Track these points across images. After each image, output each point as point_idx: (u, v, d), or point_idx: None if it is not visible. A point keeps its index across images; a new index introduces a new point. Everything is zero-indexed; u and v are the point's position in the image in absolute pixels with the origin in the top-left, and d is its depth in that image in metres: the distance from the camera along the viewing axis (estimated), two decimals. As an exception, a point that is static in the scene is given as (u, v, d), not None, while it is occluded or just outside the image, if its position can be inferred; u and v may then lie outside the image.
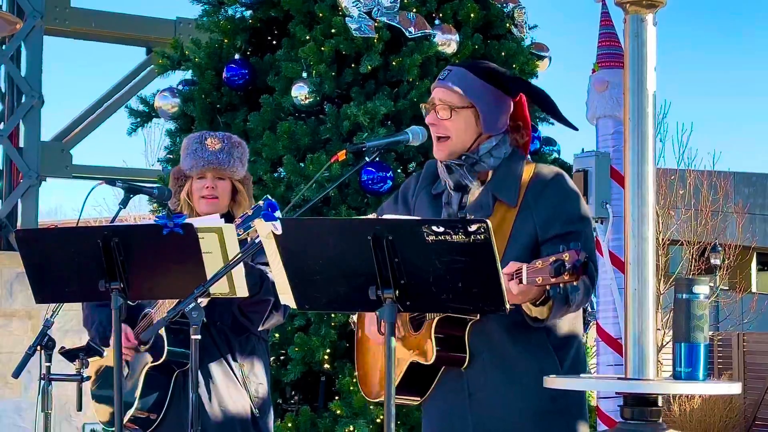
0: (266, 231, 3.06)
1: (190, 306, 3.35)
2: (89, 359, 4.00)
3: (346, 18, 6.18)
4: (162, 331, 3.99)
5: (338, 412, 5.80)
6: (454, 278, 2.92)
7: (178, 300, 3.47)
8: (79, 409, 4.11)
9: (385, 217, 3.46)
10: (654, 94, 3.31)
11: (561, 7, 49.12)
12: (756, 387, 15.49)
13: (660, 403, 3.24)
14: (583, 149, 5.96)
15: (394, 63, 6.24)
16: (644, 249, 3.27)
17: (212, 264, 3.47)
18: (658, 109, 14.09)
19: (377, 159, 3.56)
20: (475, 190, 3.49)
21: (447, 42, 6.32)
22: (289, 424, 5.88)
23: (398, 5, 6.26)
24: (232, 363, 4.18)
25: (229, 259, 3.46)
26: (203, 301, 3.53)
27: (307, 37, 6.26)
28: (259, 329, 4.21)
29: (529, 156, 3.62)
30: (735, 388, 3.25)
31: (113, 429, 3.78)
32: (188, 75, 6.87)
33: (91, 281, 3.52)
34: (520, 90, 3.57)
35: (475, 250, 2.87)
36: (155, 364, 4.07)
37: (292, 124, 6.24)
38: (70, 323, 8.75)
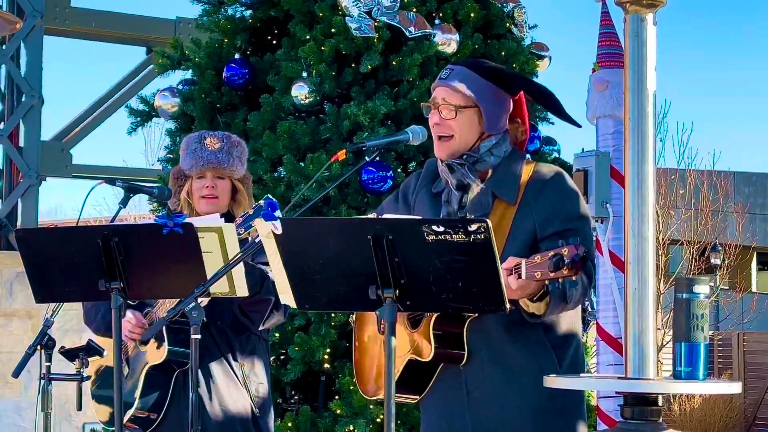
0: (266, 230, 3.06)
1: (190, 306, 3.36)
2: (89, 359, 4.00)
3: (346, 18, 6.18)
4: (163, 332, 3.99)
5: (338, 411, 5.81)
6: (454, 278, 2.92)
7: (178, 300, 3.47)
8: (79, 408, 4.11)
9: (385, 216, 3.46)
10: (654, 94, 3.31)
11: (561, 6, 49.15)
12: (756, 386, 15.49)
13: (660, 403, 3.24)
14: (583, 149, 5.97)
15: (394, 62, 6.24)
16: (644, 248, 3.27)
17: (212, 263, 3.47)
18: (658, 109, 14.11)
19: (377, 158, 3.57)
20: (475, 189, 3.49)
21: (447, 42, 6.32)
22: (289, 424, 5.88)
23: (398, 5, 6.27)
24: (233, 362, 4.18)
25: (229, 258, 3.46)
26: (204, 301, 3.53)
27: (307, 37, 6.26)
28: (259, 329, 4.21)
29: (528, 155, 3.63)
30: (735, 388, 3.25)
31: (113, 428, 3.78)
32: (188, 75, 6.87)
33: (91, 281, 3.52)
34: (522, 88, 3.58)
35: (475, 250, 2.87)
36: (156, 363, 4.07)
37: (292, 123, 6.24)
38: (70, 323, 8.75)
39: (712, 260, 18.67)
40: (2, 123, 10.42)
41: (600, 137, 5.81)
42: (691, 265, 16.50)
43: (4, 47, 10.37)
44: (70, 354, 3.97)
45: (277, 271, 3.11)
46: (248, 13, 6.74)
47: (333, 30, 6.21)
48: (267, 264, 3.67)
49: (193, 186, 4.25)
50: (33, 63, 10.45)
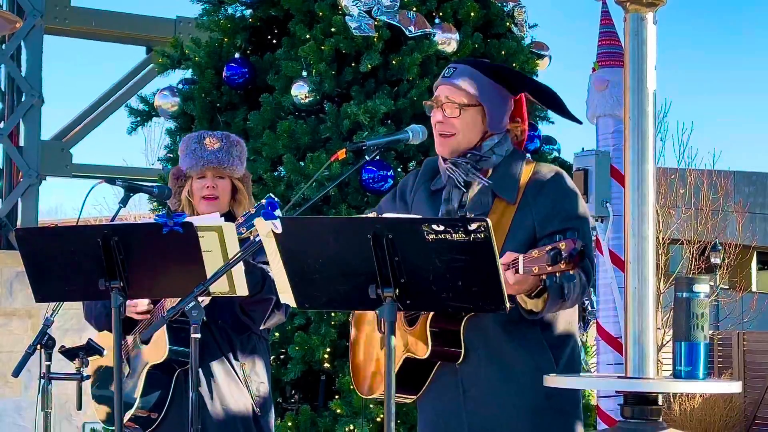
0: (266, 230, 3.06)
1: (190, 305, 3.36)
2: (89, 358, 4.00)
3: (346, 17, 6.18)
4: (164, 331, 3.99)
5: (338, 411, 5.81)
6: (454, 277, 2.92)
7: (180, 299, 3.47)
8: (79, 408, 4.11)
9: (385, 215, 3.46)
10: (654, 93, 3.31)
11: (561, 6, 49.13)
12: (756, 386, 15.49)
13: (660, 402, 3.24)
14: (583, 148, 5.97)
15: (394, 62, 6.24)
16: (644, 248, 3.28)
17: (212, 263, 3.47)
18: (659, 108, 14.12)
19: (377, 158, 3.57)
20: (475, 187, 3.50)
21: (447, 41, 6.32)
22: (290, 423, 5.88)
23: (398, 4, 6.27)
24: (234, 362, 4.18)
25: (229, 257, 3.46)
26: (205, 300, 3.53)
27: (307, 36, 6.26)
28: (260, 328, 4.21)
29: (529, 155, 3.63)
30: (735, 387, 3.25)
31: (113, 428, 3.78)
32: (188, 74, 6.88)
33: (91, 280, 3.52)
34: (524, 87, 3.58)
35: (475, 249, 2.87)
36: (157, 363, 4.07)
37: (292, 123, 6.24)
38: (70, 322, 8.76)
39: (712, 260, 18.67)
40: (2, 122, 10.42)
41: (600, 136, 5.81)
42: (691, 265, 16.50)
43: (4, 47, 10.37)
44: (70, 353, 3.97)
45: (276, 271, 3.11)
46: (248, 12, 6.75)
47: (333, 29, 6.21)
48: (267, 263, 3.67)
49: (194, 186, 4.25)
50: (33, 62, 10.46)
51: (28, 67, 10.48)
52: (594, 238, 5.75)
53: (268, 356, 4.35)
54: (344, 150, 3.49)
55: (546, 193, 3.44)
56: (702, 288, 3.19)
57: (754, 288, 24.74)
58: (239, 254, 3.38)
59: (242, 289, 3.54)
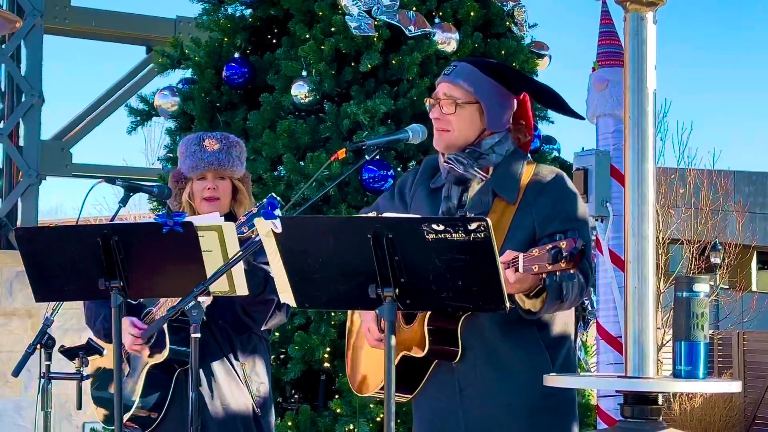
0: (266, 229, 3.06)
1: (190, 304, 3.36)
2: (89, 358, 4.00)
3: (346, 16, 6.18)
4: (165, 328, 4.00)
5: (338, 410, 5.81)
6: (454, 276, 2.92)
7: (180, 299, 3.48)
8: (79, 407, 4.11)
9: (385, 215, 3.46)
10: (654, 93, 3.32)
11: (561, 5, 49.13)
12: (756, 386, 15.49)
13: (660, 402, 3.24)
14: (583, 148, 5.97)
15: (393, 61, 6.24)
16: (644, 247, 3.28)
17: (212, 262, 3.47)
18: (658, 108, 14.11)
19: (377, 157, 3.57)
20: (475, 186, 3.50)
21: (447, 40, 6.32)
22: (290, 423, 5.88)
23: (398, 4, 6.27)
24: (234, 362, 4.18)
25: (229, 257, 3.46)
26: (207, 300, 3.54)
27: (307, 36, 6.26)
28: (262, 328, 4.22)
29: (530, 155, 3.63)
30: (735, 387, 3.25)
31: (113, 428, 3.78)
32: (188, 74, 6.88)
33: (90, 280, 3.52)
34: (526, 87, 3.58)
35: (475, 249, 2.87)
36: (157, 362, 4.07)
37: (292, 122, 6.24)
38: (70, 322, 8.76)
39: (712, 259, 18.66)
40: (2, 122, 10.42)
41: (600, 136, 5.81)
42: (691, 264, 16.50)
43: (4, 46, 10.37)
44: (69, 353, 3.97)
45: (276, 270, 3.11)
46: (248, 12, 6.75)
47: (333, 29, 6.21)
48: (268, 264, 3.68)
49: (194, 188, 4.25)
50: (33, 62, 10.46)
51: (28, 66, 10.48)
52: (594, 237, 5.76)
53: (268, 356, 4.35)
54: (344, 150, 3.50)
55: (546, 194, 3.44)
56: (702, 288, 3.19)
57: (754, 288, 24.74)
58: (239, 254, 3.38)
59: (242, 289, 3.54)
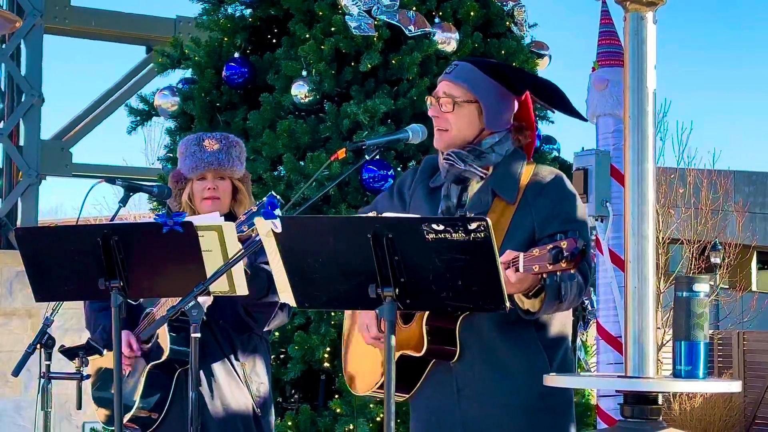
0: (266, 229, 3.06)
1: (190, 304, 3.36)
2: (89, 358, 4.01)
3: (346, 16, 6.18)
4: (165, 331, 4.00)
5: (338, 410, 5.81)
6: (454, 276, 2.92)
7: (180, 299, 3.48)
8: (79, 407, 4.11)
9: (385, 215, 3.46)
10: (654, 93, 3.32)
11: (561, 5, 49.13)
12: (756, 386, 15.48)
13: (660, 402, 3.24)
14: (583, 147, 5.96)
15: (393, 61, 6.24)
16: (644, 247, 3.28)
17: (212, 262, 3.47)
18: (658, 108, 14.10)
19: (378, 157, 3.57)
20: (475, 185, 3.50)
21: (447, 40, 6.32)
22: (289, 423, 5.88)
23: (398, 4, 6.26)
24: (234, 362, 4.18)
25: (229, 257, 3.46)
26: (208, 300, 3.54)
27: (307, 36, 6.26)
28: (264, 329, 4.22)
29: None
30: (735, 387, 3.25)
31: (113, 428, 3.78)
32: (188, 73, 6.87)
33: (90, 279, 3.52)
34: (527, 84, 3.58)
35: (475, 248, 2.87)
36: (157, 362, 4.07)
37: (292, 122, 6.24)
38: (69, 322, 8.76)
39: (712, 259, 18.66)
40: (2, 122, 10.42)
41: (600, 136, 5.81)
42: (691, 264, 16.50)
43: (4, 46, 10.37)
44: (69, 353, 3.98)
45: (276, 270, 3.11)
46: (248, 11, 6.74)
47: (333, 29, 6.21)
48: (268, 263, 3.68)
49: (194, 188, 4.25)
50: (33, 62, 10.46)
51: (28, 66, 10.48)
52: (594, 237, 5.76)
53: (268, 356, 4.36)
54: (344, 149, 3.50)
55: (546, 195, 3.44)
56: (702, 287, 3.19)
57: (754, 288, 24.73)
58: (240, 253, 3.38)
59: (242, 289, 3.54)
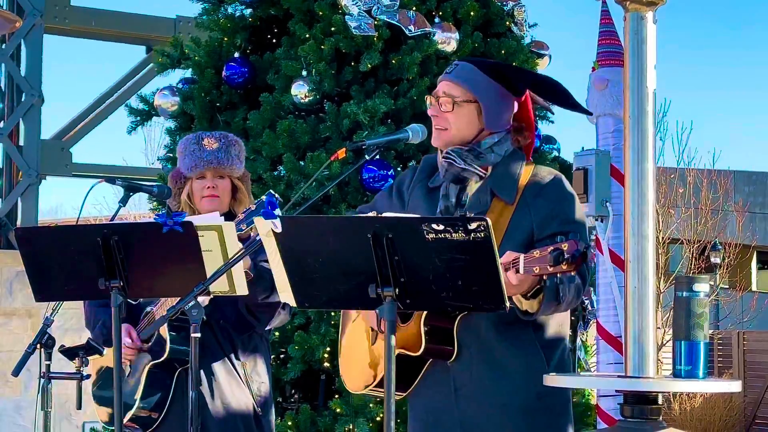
0: (266, 229, 3.06)
1: (190, 304, 3.36)
2: (89, 358, 4.01)
3: (346, 16, 6.18)
4: (165, 330, 4.00)
5: (338, 410, 5.81)
6: (454, 276, 2.92)
7: (180, 298, 3.48)
8: (79, 407, 4.11)
9: (385, 215, 3.46)
10: (654, 92, 3.32)
11: (561, 5, 49.13)
12: (756, 385, 15.49)
13: (660, 401, 3.24)
14: (583, 147, 5.97)
15: (393, 61, 6.24)
16: (644, 247, 3.28)
17: (212, 262, 3.47)
18: (658, 108, 14.11)
19: (378, 157, 3.57)
20: (474, 185, 3.50)
21: (447, 40, 6.32)
22: (289, 423, 5.88)
23: (398, 3, 6.26)
24: (235, 361, 4.19)
25: (229, 257, 3.46)
26: (205, 300, 3.54)
27: (307, 36, 6.26)
28: (266, 328, 4.22)
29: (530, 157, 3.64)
30: (735, 387, 3.25)
31: (113, 428, 3.78)
32: (188, 73, 6.87)
33: (90, 279, 3.52)
34: (528, 82, 3.58)
35: (475, 248, 2.87)
36: (158, 362, 4.08)
37: (292, 122, 6.24)
38: (69, 321, 8.76)
39: (712, 259, 18.67)
40: (2, 122, 10.42)
41: (600, 136, 5.81)
42: (691, 264, 16.51)
43: (4, 46, 10.37)
44: (69, 353, 3.97)
45: (276, 270, 3.11)
46: (248, 11, 6.74)
47: (333, 29, 6.21)
48: (267, 262, 3.68)
49: (194, 187, 4.25)
50: (33, 62, 10.46)
51: (28, 66, 10.48)
52: (594, 237, 5.76)
53: (269, 355, 4.36)
54: (344, 149, 3.50)
55: (545, 196, 3.44)
56: (702, 287, 3.19)
57: (754, 287, 24.74)
58: (240, 253, 3.38)
59: (242, 289, 3.54)
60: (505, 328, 3.38)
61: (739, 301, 18.89)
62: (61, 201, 49.41)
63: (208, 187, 4.22)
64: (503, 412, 3.38)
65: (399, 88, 6.25)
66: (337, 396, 5.94)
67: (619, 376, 3.43)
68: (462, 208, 3.48)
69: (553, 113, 6.86)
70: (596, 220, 5.66)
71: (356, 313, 3.60)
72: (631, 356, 3.25)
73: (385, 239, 2.91)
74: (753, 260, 25.87)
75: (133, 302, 4.08)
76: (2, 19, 5.04)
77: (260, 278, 3.91)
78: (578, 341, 5.98)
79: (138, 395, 4.12)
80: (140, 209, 15.87)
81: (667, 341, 13.22)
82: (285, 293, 3.12)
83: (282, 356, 6.06)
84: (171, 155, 6.77)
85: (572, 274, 3.09)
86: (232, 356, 4.18)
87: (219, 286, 3.50)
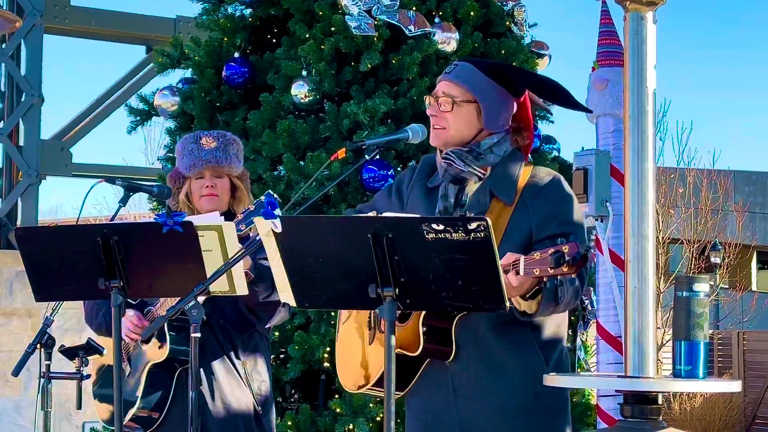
0: (266, 229, 3.06)
1: (190, 304, 3.36)
2: (89, 357, 4.01)
3: (346, 16, 6.18)
4: (165, 330, 4.00)
5: (338, 410, 5.81)
6: (454, 276, 2.92)
7: (180, 298, 3.48)
8: (79, 407, 4.11)
9: (385, 215, 3.46)
10: (654, 93, 3.32)
11: (561, 5, 49.13)
12: (756, 385, 15.49)
13: (660, 401, 3.24)
14: (583, 147, 5.97)
15: (393, 61, 6.24)
16: (644, 247, 3.28)
17: (212, 262, 3.47)
18: (658, 108, 14.10)
19: (378, 157, 3.57)
20: (473, 185, 3.50)
21: (447, 40, 6.32)
22: (289, 423, 5.88)
23: (398, 3, 6.26)
24: (235, 360, 4.19)
25: (228, 257, 3.46)
26: (201, 297, 3.54)
27: (307, 36, 6.26)
28: (266, 326, 4.22)
29: (529, 157, 3.64)
30: (735, 387, 3.25)
31: (113, 428, 3.78)
32: (188, 73, 6.87)
33: (90, 279, 3.52)
34: (528, 83, 3.58)
35: (475, 248, 2.87)
36: (158, 362, 4.08)
37: (292, 122, 6.24)
38: (69, 321, 8.77)
39: (712, 259, 18.67)
40: (2, 122, 10.43)
41: (600, 135, 5.81)
42: (691, 264, 16.51)
43: (3, 46, 10.38)
44: (69, 353, 3.98)
45: (276, 270, 3.11)
46: (248, 11, 6.74)
47: (333, 29, 6.21)
48: (267, 259, 3.68)
49: (192, 186, 4.25)
50: (33, 62, 10.46)
51: (28, 66, 10.48)
52: (594, 237, 5.76)
53: (269, 354, 4.36)
54: (344, 149, 3.50)
55: (543, 197, 3.44)
56: (702, 287, 3.19)
57: (754, 287, 24.75)
58: (240, 253, 3.39)
59: (242, 289, 3.55)
60: (503, 329, 3.38)
61: (739, 301, 18.90)
62: (61, 201, 49.44)
63: (207, 186, 4.22)
64: (502, 411, 3.38)
65: (399, 88, 6.25)
66: (337, 396, 5.94)
67: (619, 376, 3.43)
68: (461, 209, 3.48)
69: (551, 114, 6.87)
70: (596, 220, 5.66)
71: (347, 313, 3.61)
72: (631, 356, 3.25)
73: (385, 239, 2.91)
74: (753, 260, 25.89)
75: (133, 302, 4.08)
76: (2, 19, 5.04)
77: (261, 278, 3.91)
78: (578, 341, 5.98)
79: (139, 393, 4.12)
80: (140, 209, 15.87)
81: (667, 341, 13.22)
82: (285, 293, 3.12)
83: (282, 356, 6.06)
84: (171, 155, 6.77)
85: (573, 276, 3.09)
86: (233, 355, 4.18)
87: (219, 286, 3.50)
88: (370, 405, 5.71)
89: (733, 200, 20.16)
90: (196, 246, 3.48)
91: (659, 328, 13.43)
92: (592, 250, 5.63)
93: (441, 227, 2.87)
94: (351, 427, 5.73)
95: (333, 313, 5.85)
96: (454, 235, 2.87)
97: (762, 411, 15.48)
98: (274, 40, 6.74)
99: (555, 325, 3.48)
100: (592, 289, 5.80)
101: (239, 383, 4.18)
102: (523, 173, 3.50)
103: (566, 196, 3.47)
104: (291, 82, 6.25)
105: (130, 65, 11.50)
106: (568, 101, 3.58)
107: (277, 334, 5.95)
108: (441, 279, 2.93)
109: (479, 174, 3.49)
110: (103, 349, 4.04)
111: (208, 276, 3.42)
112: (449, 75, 3.53)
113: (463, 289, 2.94)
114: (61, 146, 10.81)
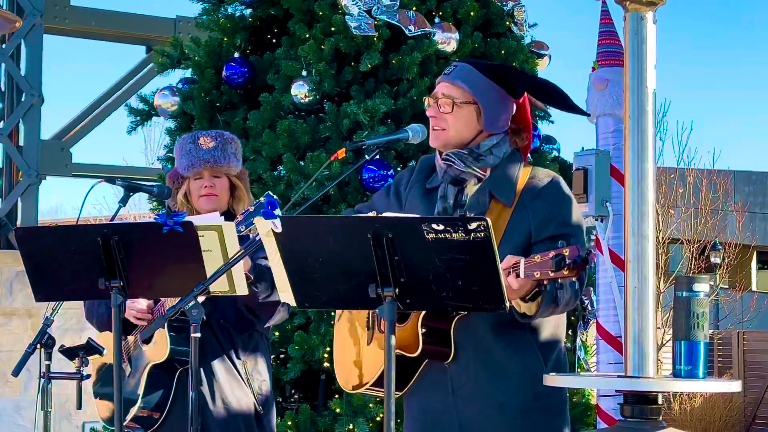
0: (266, 229, 3.06)
1: (190, 304, 3.36)
2: (89, 357, 4.01)
3: (346, 16, 6.18)
4: (165, 330, 4.00)
5: (338, 410, 5.81)
6: (454, 276, 2.92)
7: (180, 298, 3.48)
8: (79, 407, 4.11)
9: (385, 215, 3.46)
10: (654, 93, 3.32)
11: (561, 5, 49.14)
12: (756, 385, 15.49)
13: (660, 401, 3.24)
14: (583, 147, 5.97)
15: (393, 61, 6.25)
16: (644, 247, 3.28)
17: (212, 262, 3.47)
18: (658, 108, 14.09)
19: (377, 157, 3.57)
20: (472, 186, 3.50)
21: (447, 40, 6.32)
22: (289, 423, 5.88)
23: (398, 3, 6.27)
24: (236, 360, 4.19)
25: (229, 257, 3.46)
26: (201, 297, 3.54)
27: (307, 36, 6.26)
28: (266, 326, 4.22)
29: (529, 158, 3.64)
30: (735, 387, 3.25)
31: (113, 427, 3.78)
32: (188, 73, 6.87)
33: (90, 279, 3.52)
34: (527, 85, 3.58)
35: (475, 248, 2.87)
36: (158, 362, 4.08)
37: (292, 122, 6.24)
38: (70, 321, 8.77)
39: (712, 259, 18.66)
40: (2, 122, 10.43)
41: (600, 136, 5.81)
42: (691, 264, 16.50)
43: (3, 46, 10.38)
44: (69, 353, 3.98)
45: (276, 270, 3.11)
46: (248, 11, 6.74)
47: (333, 29, 6.21)
48: (266, 259, 3.68)
49: (191, 186, 4.25)
50: (33, 62, 10.46)
51: (28, 66, 10.48)
52: (594, 237, 5.76)
53: (269, 354, 4.36)
54: (344, 149, 3.50)
55: (543, 198, 3.44)
56: (702, 287, 3.19)
57: (754, 287, 24.74)
58: (240, 253, 3.39)
59: (242, 289, 3.55)
60: (502, 330, 3.38)
61: (739, 301, 18.89)
62: (61, 201, 49.45)
63: (206, 186, 4.22)
64: (501, 412, 3.38)
65: (399, 88, 6.25)
66: (337, 396, 5.94)
67: (619, 376, 3.44)
68: (460, 210, 3.48)
69: (550, 115, 6.87)
70: (596, 220, 5.66)
71: (340, 312, 3.61)
72: (631, 356, 3.25)
73: (385, 239, 2.91)
74: (753, 260, 25.88)
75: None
76: (2, 19, 5.04)
77: (260, 278, 3.91)
78: (578, 341, 5.98)
79: (139, 393, 4.12)
80: (140, 209, 15.87)
81: (667, 341, 13.22)
82: (285, 293, 3.12)
83: (282, 356, 6.06)
84: (171, 155, 6.77)
85: (573, 279, 3.09)
86: (233, 355, 4.18)
87: (219, 286, 3.50)
88: (370, 405, 5.71)
89: (733, 200, 20.16)
90: (196, 246, 3.48)
91: (659, 328, 13.43)
92: (592, 251, 5.63)
93: (441, 227, 2.87)
94: (351, 427, 5.73)
95: (333, 313, 5.83)
96: (454, 235, 2.87)
97: (762, 411, 15.47)
98: (274, 40, 6.74)
99: (553, 325, 3.49)
100: (592, 289, 5.80)
101: (240, 383, 4.18)
102: (523, 174, 3.50)
103: (565, 197, 3.48)
104: (291, 82, 6.25)
105: (130, 65, 11.51)
106: (566, 104, 3.58)
107: (277, 334, 5.95)
108: (441, 279, 2.93)
109: (479, 175, 3.49)
110: (103, 349, 4.04)
111: (208, 276, 3.42)
112: (449, 76, 3.53)
113: (463, 289, 2.94)
114: (61, 146, 10.82)
